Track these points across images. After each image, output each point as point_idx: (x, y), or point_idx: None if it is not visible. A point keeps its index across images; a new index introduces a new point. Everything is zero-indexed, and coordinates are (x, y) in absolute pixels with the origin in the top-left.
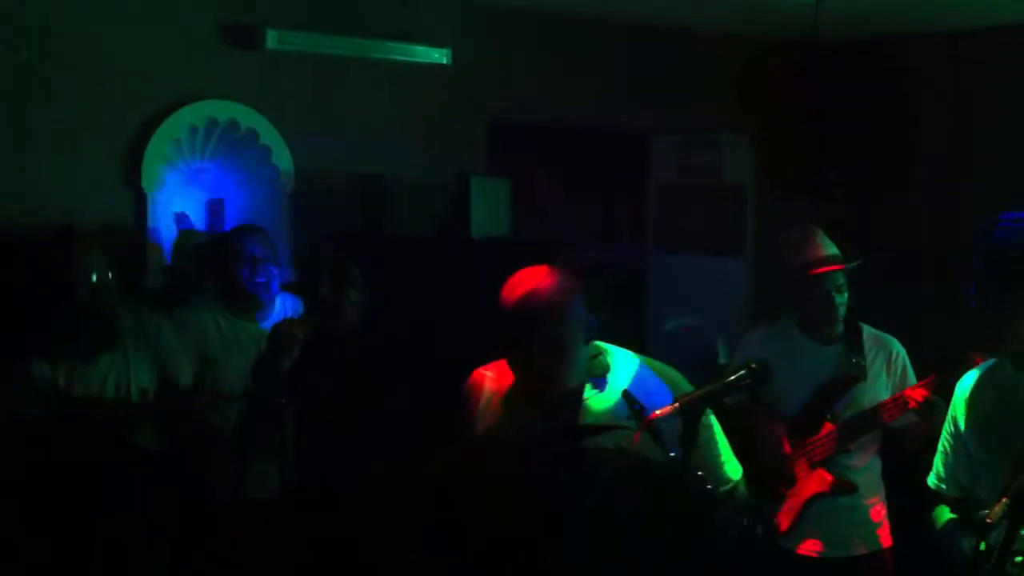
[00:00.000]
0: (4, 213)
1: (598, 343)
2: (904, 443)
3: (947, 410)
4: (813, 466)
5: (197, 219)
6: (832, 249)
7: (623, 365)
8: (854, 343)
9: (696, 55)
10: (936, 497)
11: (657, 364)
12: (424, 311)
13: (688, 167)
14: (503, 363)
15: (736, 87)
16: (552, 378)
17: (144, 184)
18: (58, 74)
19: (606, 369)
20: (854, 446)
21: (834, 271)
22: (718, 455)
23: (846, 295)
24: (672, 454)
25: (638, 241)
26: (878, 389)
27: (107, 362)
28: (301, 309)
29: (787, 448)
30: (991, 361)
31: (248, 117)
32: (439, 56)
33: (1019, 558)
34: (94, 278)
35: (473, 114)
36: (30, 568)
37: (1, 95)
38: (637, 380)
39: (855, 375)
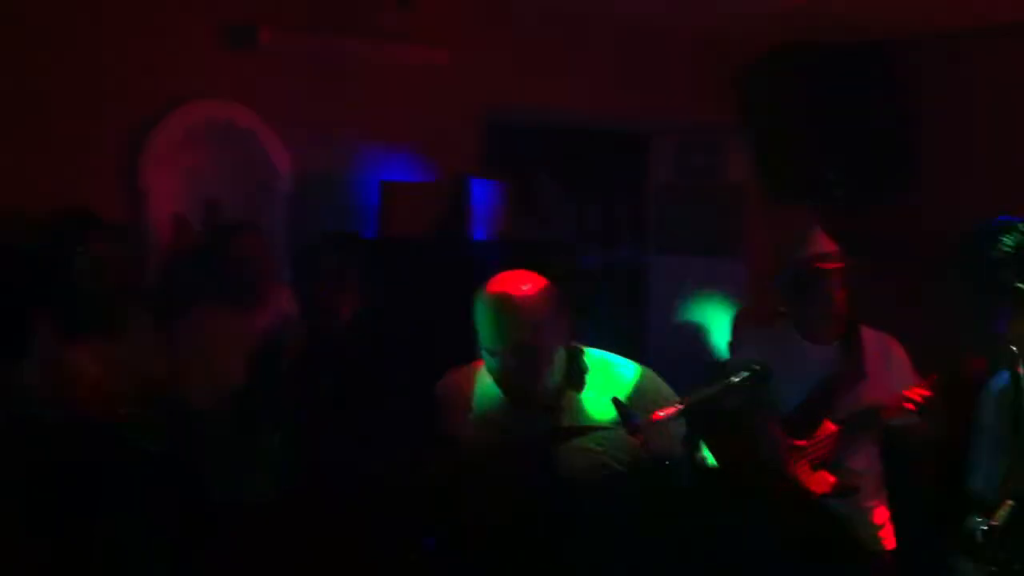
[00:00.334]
0: (7, 211)
1: (584, 348)
2: (906, 444)
3: (945, 410)
4: (814, 467)
5: (194, 219)
6: (832, 246)
7: (608, 368)
8: (853, 343)
9: (696, 55)
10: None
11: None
12: (422, 312)
13: (687, 167)
14: (479, 364)
15: (736, 87)
16: (528, 382)
17: (142, 185)
18: (56, 74)
19: (584, 371)
20: (855, 446)
21: (834, 268)
22: None
23: (844, 293)
24: (667, 463)
25: (637, 241)
26: (877, 389)
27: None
28: (298, 309)
29: (787, 449)
30: None
31: (245, 117)
32: (437, 57)
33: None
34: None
35: (470, 114)
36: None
37: (3, 92)
38: (638, 386)
39: (855, 375)
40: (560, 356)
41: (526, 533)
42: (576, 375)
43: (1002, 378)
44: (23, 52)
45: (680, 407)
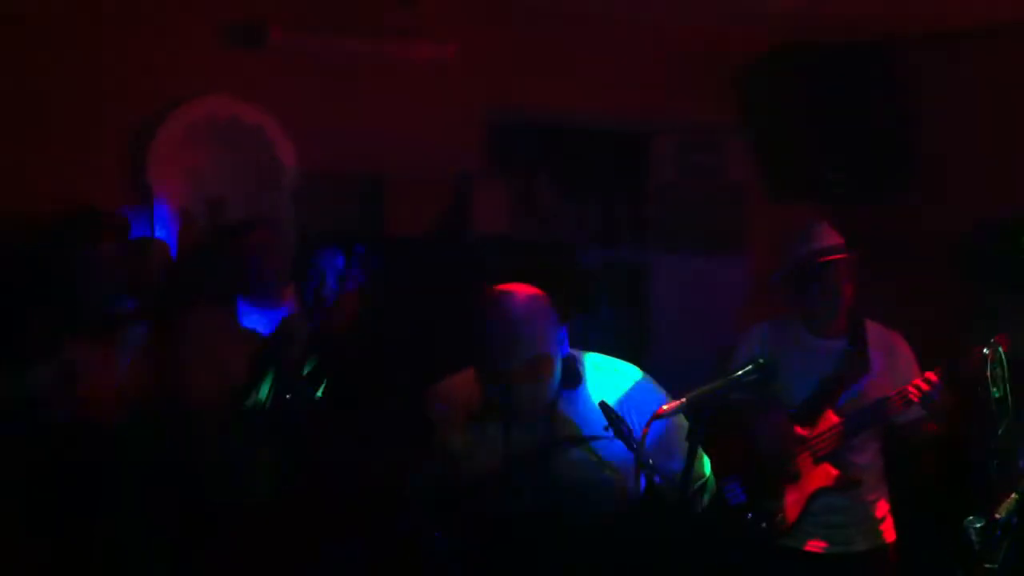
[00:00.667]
0: (7, 211)
1: (582, 354)
2: (910, 440)
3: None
4: (817, 461)
5: (200, 216)
6: (838, 239)
7: (606, 374)
8: (857, 337)
9: (696, 54)
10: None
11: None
12: (424, 310)
13: (688, 167)
14: (471, 373)
15: (737, 87)
16: (525, 394)
17: (148, 182)
18: (61, 71)
19: (579, 379)
20: (857, 441)
21: (840, 261)
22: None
23: (849, 286)
24: (650, 461)
25: (638, 240)
26: (882, 384)
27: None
28: (300, 308)
29: (791, 443)
30: None
31: (251, 114)
32: (441, 54)
33: None
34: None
35: (475, 113)
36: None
37: (4, 92)
38: (632, 393)
39: (859, 369)
40: (557, 366)
41: (522, 543)
42: (573, 383)
43: None
44: (24, 50)
45: (684, 402)
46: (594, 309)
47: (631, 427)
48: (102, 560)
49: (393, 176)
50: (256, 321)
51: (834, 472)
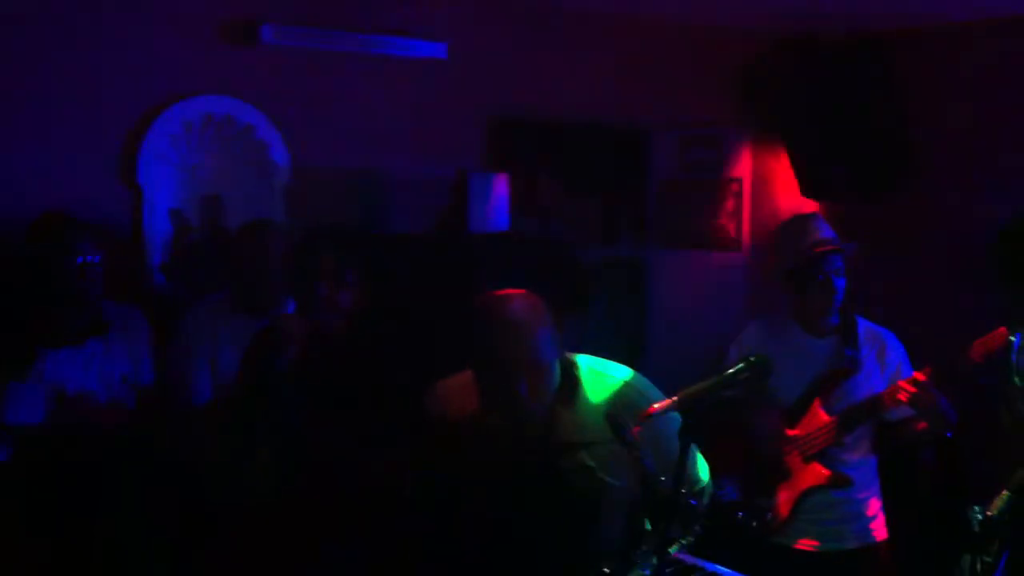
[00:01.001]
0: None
1: (574, 357)
2: (901, 438)
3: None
4: (808, 459)
5: (193, 215)
6: (831, 232)
7: (601, 379)
8: (849, 336)
9: (697, 50)
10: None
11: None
12: (422, 307)
13: (688, 163)
14: (468, 377)
15: (737, 83)
16: (525, 399)
17: (140, 180)
18: (53, 70)
19: (577, 384)
20: (849, 439)
21: (833, 254)
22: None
23: (844, 281)
24: (662, 479)
25: (638, 236)
26: (873, 382)
27: (92, 347)
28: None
29: (783, 441)
30: None
31: (245, 113)
32: (437, 51)
33: None
34: (83, 260)
35: (471, 109)
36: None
37: None
38: (622, 393)
39: (849, 368)
40: (554, 371)
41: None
42: (570, 389)
43: None
44: (15, 48)
45: (675, 400)
46: (594, 306)
47: (630, 438)
48: (102, 560)
49: (391, 174)
50: (253, 321)
51: (825, 471)
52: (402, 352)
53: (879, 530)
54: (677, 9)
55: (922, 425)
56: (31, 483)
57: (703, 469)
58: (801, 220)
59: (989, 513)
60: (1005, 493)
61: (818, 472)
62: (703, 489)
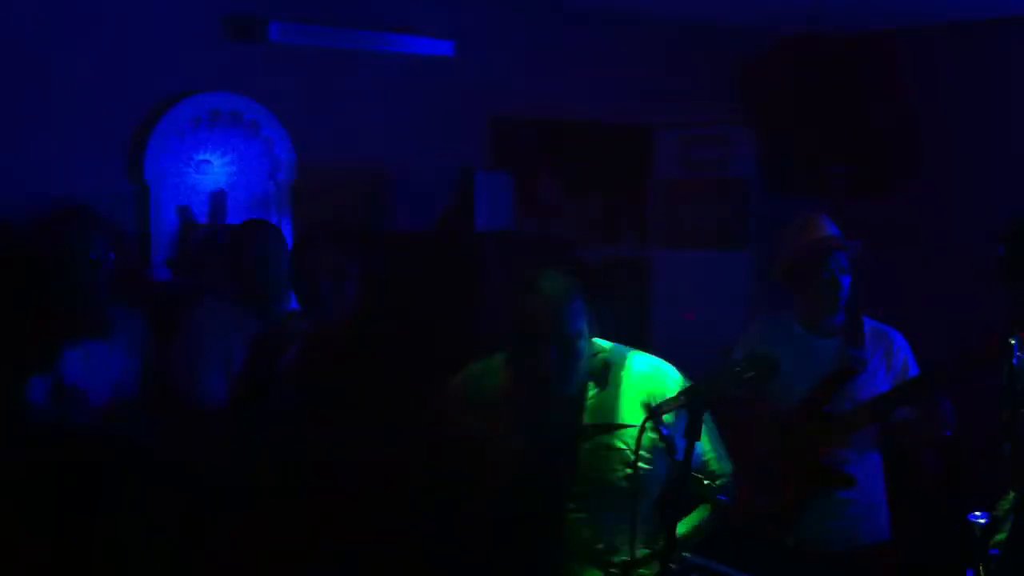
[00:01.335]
0: (5, 206)
1: (599, 341)
2: (907, 437)
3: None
4: (813, 459)
5: (199, 211)
6: (836, 230)
7: (636, 366)
8: (854, 335)
9: (698, 48)
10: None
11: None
12: (426, 305)
13: (691, 161)
14: (495, 361)
15: (739, 81)
16: (558, 378)
17: (147, 177)
18: (61, 66)
19: (609, 367)
20: (854, 439)
21: (838, 251)
22: (710, 449)
23: (849, 279)
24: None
25: (640, 235)
26: (877, 382)
27: (93, 346)
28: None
29: (788, 441)
30: None
31: (251, 110)
32: (442, 49)
33: None
34: (96, 257)
35: (476, 108)
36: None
37: (4, 87)
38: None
39: (854, 368)
40: (586, 347)
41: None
42: (603, 371)
43: None
44: (22, 45)
45: (680, 399)
46: (595, 306)
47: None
48: (102, 560)
49: (396, 171)
50: (257, 318)
51: (830, 470)
52: (404, 351)
53: (882, 530)
54: (678, 9)
55: (927, 425)
56: (31, 483)
57: (726, 463)
58: (805, 218)
59: (995, 514)
60: (1011, 493)
61: (823, 471)
62: (728, 484)
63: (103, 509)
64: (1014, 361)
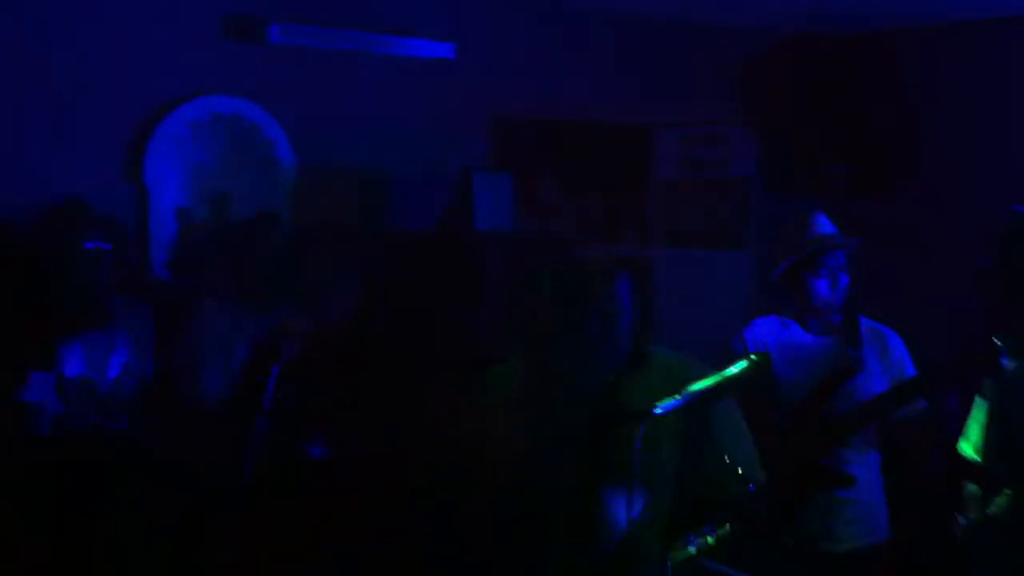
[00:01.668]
0: (6, 207)
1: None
2: (904, 437)
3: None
4: (811, 459)
5: (200, 213)
6: (833, 228)
7: (672, 358)
8: (852, 335)
9: (699, 48)
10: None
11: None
12: (426, 305)
13: (691, 161)
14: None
15: (739, 81)
16: (595, 361)
17: (147, 179)
18: (61, 68)
19: (646, 355)
20: (852, 439)
21: (835, 249)
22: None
23: (847, 278)
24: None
25: (641, 235)
26: (874, 382)
27: (96, 336)
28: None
29: (786, 441)
30: None
31: (252, 111)
32: (443, 52)
33: None
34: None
35: (476, 108)
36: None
37: (4, 89)
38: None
39: (852, 368)
40: (628, 327)
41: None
42: (639, 358)
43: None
44: (22, 47)
45: (679, 399)
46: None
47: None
48: (102, 560)
49: (396, 172)
50: (257, 318)
51: (829, 470)
52: (404, 351)
53: (882, 530)
54: (678, 9)
55: (924, 425)
56: (31, 483)
57: (751, 455)
58: (803, 216)
59: (989, 513)
60: (1006, 491)
61: (822, 471)
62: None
63: (103, 509)
64: (1002, 361)
